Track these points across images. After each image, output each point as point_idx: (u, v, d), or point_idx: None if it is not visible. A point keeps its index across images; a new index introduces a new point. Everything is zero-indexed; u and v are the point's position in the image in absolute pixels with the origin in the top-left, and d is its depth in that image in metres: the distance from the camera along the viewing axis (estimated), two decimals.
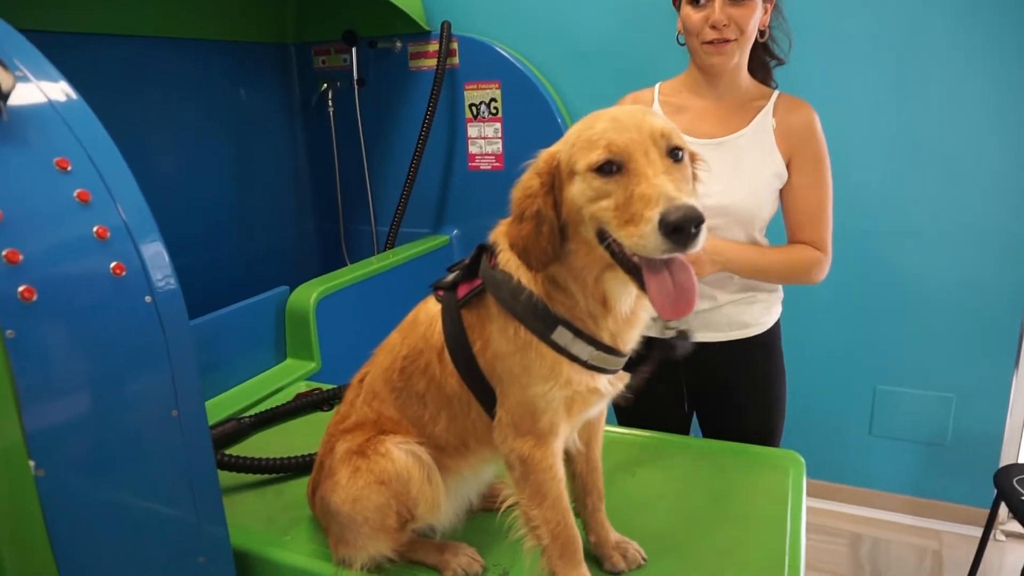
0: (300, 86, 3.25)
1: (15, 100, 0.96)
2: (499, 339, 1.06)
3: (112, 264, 0.98)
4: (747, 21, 1.48)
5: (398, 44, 2.99)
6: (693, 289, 0.92)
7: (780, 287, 1.72)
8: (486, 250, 1.11)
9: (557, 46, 2.82)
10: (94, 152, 1.01)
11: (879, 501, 2.81)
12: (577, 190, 0.96)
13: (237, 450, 1.63)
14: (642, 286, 0.94)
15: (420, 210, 3.06)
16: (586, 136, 0.96)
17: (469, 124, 2.91)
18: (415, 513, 1.16)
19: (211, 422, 1.68)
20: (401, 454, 1.14)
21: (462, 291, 1.11)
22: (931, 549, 2.62)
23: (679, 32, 1.59)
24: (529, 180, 1.02)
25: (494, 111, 2.85)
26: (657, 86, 1.70)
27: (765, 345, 1.72)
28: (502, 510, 1.13)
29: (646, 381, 1.17)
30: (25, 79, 0.99)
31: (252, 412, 1.86)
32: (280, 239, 3.28)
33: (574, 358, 1.03)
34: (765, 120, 1.57)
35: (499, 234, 1.10)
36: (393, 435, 1.17)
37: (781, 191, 1.61)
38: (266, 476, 1.56)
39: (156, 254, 1.04)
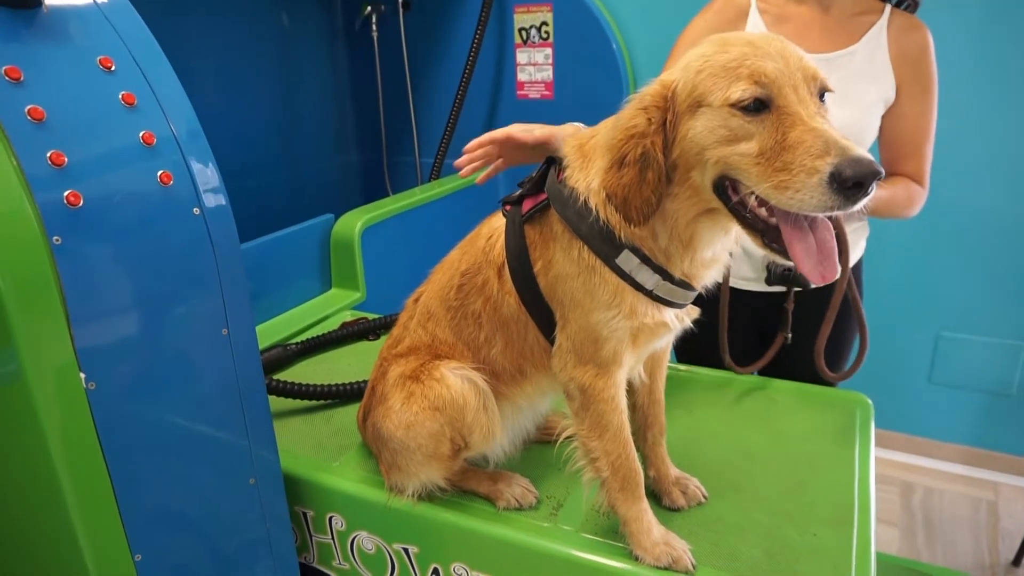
0: (343, 9, 3.13)
1: None
2: (562, 260, 1.00)
3: (159, 172, 0.93)
4: None
5: None
6: (835, 249, 0.84)
7: (866, 220, 1.60)
8: (555, 163, 1.04)
9: None
10: (139, 53, 0.95)
11: (933, 450, 2.72)
12: (704, 128, 0.85)
13: (283, 377, 1.61)
14: (768, 245, 0.86)
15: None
16: (719, 62, 0.84)
17: (518, 50, 2.78)
18: (469, 441, 1.12)
19: None
20: (456, 380, 1.10)
21: (527, 206, 1.05)
22: (987, 500, 2.54)
23: None
24: (633, 117, 0.89)
25: (545, 36, 2.71)
26: None
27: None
28: (560, 441, 1.09)
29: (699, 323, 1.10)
30: None
31: (297, 340, 1.84)
32: (322, 169, 3.22)
33: (638, 287, 0.96)
34: (879, 38, 1.42)
35: (570, 147, 1.02)
36: (448, 360, 1.13)
37: (883, 117, 1.47)
38: (314, 403, 1.54)
39: (205, 165, 0.99)
